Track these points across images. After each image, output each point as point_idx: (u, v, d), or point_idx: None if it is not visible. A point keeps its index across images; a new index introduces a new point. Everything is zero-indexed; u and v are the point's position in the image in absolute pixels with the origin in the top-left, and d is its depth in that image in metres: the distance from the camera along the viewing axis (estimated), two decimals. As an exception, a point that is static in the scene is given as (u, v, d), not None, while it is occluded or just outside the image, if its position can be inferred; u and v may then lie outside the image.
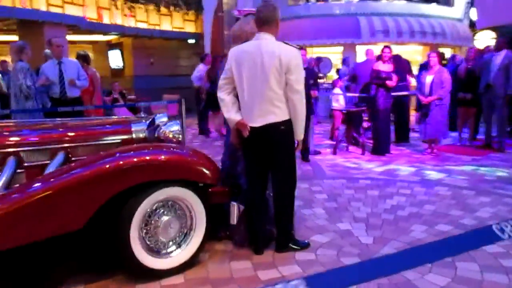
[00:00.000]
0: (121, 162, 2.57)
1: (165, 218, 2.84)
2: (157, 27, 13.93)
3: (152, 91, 12.71)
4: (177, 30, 14.54)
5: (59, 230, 2.48)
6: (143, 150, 2.74)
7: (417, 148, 7.41)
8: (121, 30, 12.79)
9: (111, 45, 15.92)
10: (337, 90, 8.04)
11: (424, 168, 5.99)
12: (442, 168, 6.01)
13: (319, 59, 11.01)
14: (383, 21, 12.85)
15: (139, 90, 13.74)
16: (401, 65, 7.89)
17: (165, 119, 3.89)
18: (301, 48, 3.15)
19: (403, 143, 7.84)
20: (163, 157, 2.69)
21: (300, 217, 4.02)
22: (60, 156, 2.88)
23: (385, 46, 7.19)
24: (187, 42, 14.77)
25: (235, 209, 2.98)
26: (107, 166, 2.53)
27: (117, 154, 2.66)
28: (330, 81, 10.42)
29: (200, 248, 2.98)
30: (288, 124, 3.05)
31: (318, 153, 7.18)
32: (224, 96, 3.16)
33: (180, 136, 3.29)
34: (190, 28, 14.78)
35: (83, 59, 6.37)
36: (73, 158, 2.91)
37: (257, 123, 3.05)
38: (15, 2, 9.26)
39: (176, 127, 3.32)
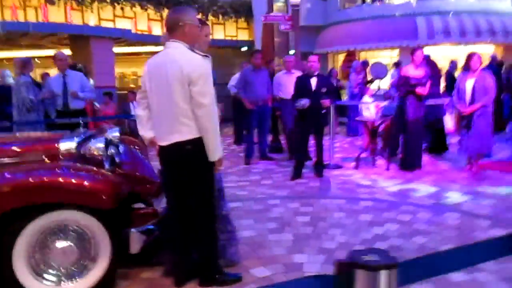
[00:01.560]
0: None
1: (60, 243, 2.65)
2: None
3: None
4: (230, 38, 14.58)
5: None
6: (26, 170, 2.58)
7: (457, 163, 6.45)
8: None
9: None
10: (366, 99, 7.34)
11: (448, 189, 5.16)
12: (471, 189, 5.14)
13: (365, 64, 10.26)
14: (444, 21, 11.63)
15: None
16: (435, 69, 6.99)
17: (116, 133, 3.76)
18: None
19: (439, 154, 6.95)
20: (37, 179, 2.50)
21: (260, 243, 3.62)
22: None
23: (417, 48, 6.41)
24: (240, 50, 14.73)
25: (134, 237, 2.68)
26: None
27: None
28: (387, 88, 9.56)
29: (103, 280, 2.74)
30: (197, 143, 2.68)
31: (339, 167, 6.59)
32: (140, 111, 2.93)
33: (102, 153, 3.07)
34: (243, 35, 14.74)
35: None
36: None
37: (164, 141, 2.75)
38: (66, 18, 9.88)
39: (100, 144, 3.13)
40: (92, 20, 10.44)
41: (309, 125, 5.76)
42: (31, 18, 9.28)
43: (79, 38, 10.28)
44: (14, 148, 3.05)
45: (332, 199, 4.90)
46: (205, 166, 2.74)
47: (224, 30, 14.47)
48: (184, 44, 2.71)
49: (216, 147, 2.71)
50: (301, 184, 5.64)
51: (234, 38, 14.80)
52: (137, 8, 11.36)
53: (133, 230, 2.67)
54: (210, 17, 13.46)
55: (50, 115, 5.71)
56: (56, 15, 9.57)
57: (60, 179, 2.53)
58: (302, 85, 5.74)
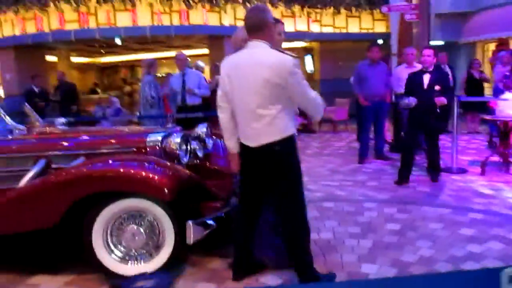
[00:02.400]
0: (68, 174, 2.84)
1: (131, 227, 2.97)
2: (343, 30, 13.72)
3: (338, 94, 12.61)
4: (365, 31, 13.98)
5: (36, 224, 2.91)
6: (102, 162, 2.94)
7: None
8: (302, 36, 13.17)
9: (307, 50, 16.57)
10: (508, 95, 6.31)
11: None
12: None
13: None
14: None
15: (324, 93, 13.88)
16: None
17: (204, 129, 4.00)
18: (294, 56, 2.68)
19: None
20: (103, 169, 2.83)
21: (333, 247, 3.48)
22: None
23: None
24: (377, 42, 14.02)
25: (191, 228, 2.82)
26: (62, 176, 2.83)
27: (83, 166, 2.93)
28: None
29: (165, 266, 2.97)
30: (284, 144, 2.67)
31: (463, 172, 5.86)
32: (222, 115, 2.84)
33: (178, 147, 3.31)
34: (380, 28, 13.98)
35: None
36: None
37: (252, 142, 2.72)
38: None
39: (177, 139, 3.37)
40: (227, 20, 11.12)
41: (418, 125, 5.24)
42: (175, 22, 10.32)
43: (215, 38, 11.09)
44: (108, 140, 3.48)
45: (436, 207, 4.40)
46: (294, 166, 2.75)
47: (360, 23, 13.96)
48: (268, 44, 2.65)
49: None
50: (408, 188, 5.20)
51: (371, 31, 14.16)
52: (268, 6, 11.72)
53: (189, 222, 2.82)
54: (343, 10, 13.10)
55: (171, 110, 6.34)
56: (195, 17, 10.47)
57: (122, 170, 2.82)
58: (413, 81, 5.24)
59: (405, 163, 5.35)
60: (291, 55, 2.62)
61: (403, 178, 5.32)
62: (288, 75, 2.56)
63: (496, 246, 3.40)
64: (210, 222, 2.96)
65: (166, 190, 2.78)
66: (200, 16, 10.50)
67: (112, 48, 13.54)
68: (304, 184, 2.88)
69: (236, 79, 2.69)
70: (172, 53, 16.70)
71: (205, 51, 12.29)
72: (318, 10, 12.71)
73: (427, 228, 3.82)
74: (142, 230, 2.99)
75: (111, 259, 2.96)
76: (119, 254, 3.00)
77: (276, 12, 12.13)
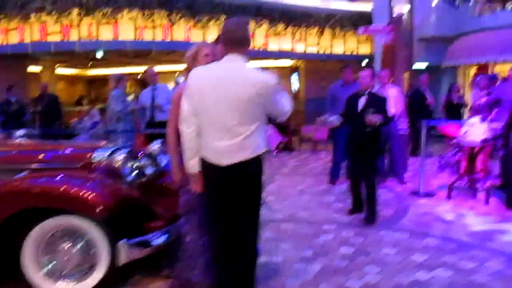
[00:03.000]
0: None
1: (64, 245, 2.88)
2: (327, 50, 13.85)
3: (322, 114, 12.65)
4: (349, 53, 14.11)
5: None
6: (34, 178, 2.86)
7: None
8: (286, 56, 13.25)
9: (292, 70, 16.69)
10: (473, 119, 6.32)
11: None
12: None
13: (493, 78, 8.92)
14: None
15: (309, 112, 13.90)
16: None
17: (157, 146, 3.94)
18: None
19: None
20: (32, 185, 2.76)
21: (279, 271, 3.40)
22: None
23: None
24: (361, 64, 14.15)
25: (121, 248, 2.73)
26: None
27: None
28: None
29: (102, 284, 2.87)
30: (256, 162, 2.55)
31: (430, 195, 5.83)
32: (189, 131, 2.59)
33: (121, 164, 3.24)
34: (365, 49, 14.13)
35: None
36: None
37: (225, 160, 2.54)
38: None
39: (121, 156, 3.30)
40: (210, 36, 11.19)
41: (352, 149, 4.86)
42: (157, 37, 10.35)
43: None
44: (54, 155, 3.41)
45: (394, 232, 4.34)
46: (260, 185, 2.63)
47: (344, 44, 14.10)
48: (246, 60, 2.54)
49: None
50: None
51: (355, 53, 14.30)
52: (251, 24, 11.81)
53: (120, 242, 2.74)
54: (328, 30, 13.22)
55: (139, 125, 6.27)
56: (178, 33, 10.52)
57: (53, 187, 2.75)
58: (349, 105, 4.85)
59: (352, 193, 5.00)
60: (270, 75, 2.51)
61: (355, 209, 4.94)
62: (272, 95, 2.50)
63: (444, 273, 3.33)
64: (146, 242, 2.87)
65: (97, 209, 2.70)
66: (182, 32, 10.54)
67: (98, 61, 13.53)
68: (270, 204, 2.78)
69: (213, 94, 2.49)
70: (161, 67, 16.87)
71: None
72: (302, 30, 12.82)
73: (379, 253, 3.76)
74: (75, 248, 2.90)
75: (41, 277, 2.86)
76: (50, 272, 2.90)
77: (260, 31, 12.24)
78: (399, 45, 12.84)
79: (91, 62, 14.43)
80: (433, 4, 12.88)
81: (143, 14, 9.89)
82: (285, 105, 2.66)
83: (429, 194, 5.88)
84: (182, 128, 2.63)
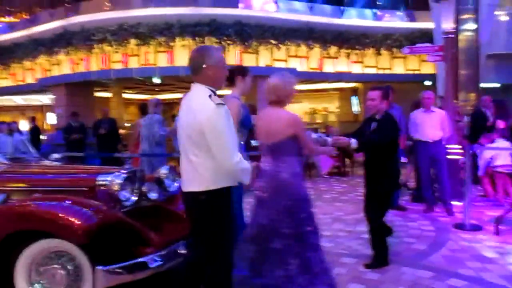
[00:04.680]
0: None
1: (53, 267, 2.98)
2: (387, 71, 13.35)
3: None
4: (411, 72, 13.48)
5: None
6: (25, 201, 3.00)
7: None
8: (342, 77, 12.96)
9: (353, 91, 16.33)
10: (502, 143, 5.60)
11: None
12: None
13: None
14: None
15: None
16: None
17: (165, 171, 3.98)
18: (220, 103, 2.44)
19: None
20: (20, 209, 2.89)
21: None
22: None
23: None
24: (423, 84, 13.44)
25: (98, 275, 2.74)
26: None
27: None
28: None
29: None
30: (211, 196, 2.51)
31: (477, 229, 5.26)
32: None
33: (119, 188, 3.31)
34: (427, 69, 13.42)
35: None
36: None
37: (183, 186, 2.65)
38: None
39: (119, 180, 3.37)
40: (262, 61, 11.31)
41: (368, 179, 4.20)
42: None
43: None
44: (59, 178, 3.58)
45: (417, 269, 3.93)
46: (218, 220, 2.56)
47: (405, 64, 13.51)
48: (206, 88, 2.53)
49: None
50: (403, 242, 4.74)
51: (417, 72, 13.64)
52: (303, 47, 11.75)
53: (98, 267, 2.76)
54: (383, 51, 12.78)
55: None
56: (229, 58, 10.77)
57: (39, 210, 2.86)
58: (361, 129, 4.29)
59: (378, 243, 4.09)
60: (218, 102, 2.45)
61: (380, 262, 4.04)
62: (205, 123, 2.43)
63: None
64: (127, 268, 2.87)
65: (77, 233, 2.76)
66: (233, 57, 10.78)
67: (164, 87, 14.17)
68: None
69: (180, 120, 2.65)
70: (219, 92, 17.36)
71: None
72: (357, 52, 12.51)
73: (388, 295, 3.42)
74: (64, 271, 2.98)
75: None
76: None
77: (313, 53, 12.15)
78: (463, 64, 12.08)
79: (156, 88, 15.24)
80: (502, 19, 11.97)
81: (195, 41, 10.26)
82: (224, 152, 2.43)
83: (476, 228, 5.31)
84: None
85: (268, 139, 3.19)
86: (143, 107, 6.71)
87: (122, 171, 3.58)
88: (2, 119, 13.47)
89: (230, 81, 3.63)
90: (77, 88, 11.51)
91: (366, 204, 4.18)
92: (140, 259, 2.97)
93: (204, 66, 2.54)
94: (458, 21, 12.20)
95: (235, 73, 3.70)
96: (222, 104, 2.46)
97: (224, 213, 2.57)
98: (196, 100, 2.51)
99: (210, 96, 2.49)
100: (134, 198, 3.52)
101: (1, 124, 8.99)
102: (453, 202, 6.28)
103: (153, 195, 3.75)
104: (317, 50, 12.11)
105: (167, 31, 10.01)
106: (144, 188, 3.67)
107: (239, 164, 2.47)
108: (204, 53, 2.59)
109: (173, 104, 20.80)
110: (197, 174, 2.52)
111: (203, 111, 2.44)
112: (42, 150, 9.67)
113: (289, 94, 3.23)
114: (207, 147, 2.46)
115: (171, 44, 10.18)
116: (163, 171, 3.95)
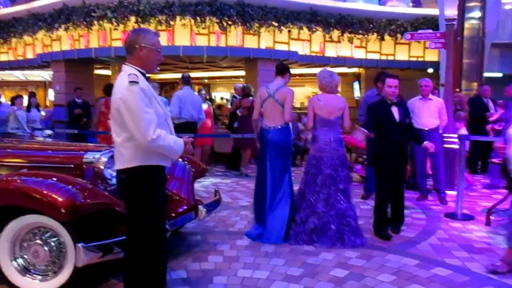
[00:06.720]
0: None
1: (36, 243, 2.99)
2: (390, 57, 13.16)
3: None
4: (414, 59, 13.27)
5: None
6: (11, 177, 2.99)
7: None
8: (344, 62, 12.77)
9: (356, 77, 16.17)
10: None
11: None
12: None
13: None
14: None
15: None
16: None
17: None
18: (134, 82, 2.45)
19: None
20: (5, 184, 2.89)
21: None
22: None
23: None
24: (427, 71, 13.26)
25: (80, 251, 2.75)
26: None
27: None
28: None
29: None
30: (131, 174, 2.52)
31: (469, 219, 5.26)
32: None
33: (100, 165, 3.30)
34: (431, 56, 13.20)
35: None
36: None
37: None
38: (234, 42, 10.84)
39: (104, 158, 3.36)
40: (263, 43, 11.15)
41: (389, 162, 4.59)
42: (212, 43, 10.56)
43: (249, 60, 11.17)
44: (47, 155, 3.57)
45: (403, 257, 3.94)
46: (140, 199, 2.56)
47: (409, 51, 13.32)
48: (133, 67, 2.55)
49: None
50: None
51: (420, 59, 13.45)
52: (305, 31, 11.54)
53: (79, 244, 2.77)
54: (386, 37, 12.58)
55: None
56: (231, 39, 10.64)
57: (25, 187, 2.86)
58: (381, 113, 4.60)
59: (378, 216, 4.66)
60: (132, 80, 2.44)
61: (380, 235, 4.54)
62: (119, 101, 2.46)
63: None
64: (107, 246, 2.88)
65: (60, 210, 2.76)
66: (234, 39, 10.63)
67: (167, 66, 13.97)
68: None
69: None
70: (222, 73, 17.19)
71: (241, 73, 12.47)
72: (360, 36, 12.31)
73: (373, 280, 3.43)
74: (46, 247, 2.99)
75: (12, 269, 3.00)
76: (21, 266, 3.03)
77: (315, 37, 11.96)
78: (468, 53, 11.92)
79: (162, 67, 15.09)
80: (510, 8, 11.75)
81: (196, 21, 10.11)
82: (139, 129, 2.41)
83: (467, 218, 5.30)
84: None
85: (330, 115, 4.41)
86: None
87: (112, 149, 3.57)
88: (4, 94, 13.46)
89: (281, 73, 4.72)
90: (77, 65, 11.40)
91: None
92: (122, 238, 2.97)
93: (136, 46, 2.56)
94: (464, 9, 12.06)
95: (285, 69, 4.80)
96: (135, 82, 2.45)
97: (147, 192, 2.55)
98: (118, 79, 2.55)
99: (129, 75, 2.48)
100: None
101: (19, 97, 8.92)
102: (447, 192, 6.28)
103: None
104: (319, 34, 11.90)
105: (167, 9, 9.86)
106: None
107: (155, 141, 2.44)
108: (140, 34, 2.62)
109: (174, 84, 20.73)
110: (118, 153, 2.57)
111: (118, 90, 2.48)
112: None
113: (336, 85, 4.56)
114: (125, 125, 2.47)
115: (172, 22, 10.02)
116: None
